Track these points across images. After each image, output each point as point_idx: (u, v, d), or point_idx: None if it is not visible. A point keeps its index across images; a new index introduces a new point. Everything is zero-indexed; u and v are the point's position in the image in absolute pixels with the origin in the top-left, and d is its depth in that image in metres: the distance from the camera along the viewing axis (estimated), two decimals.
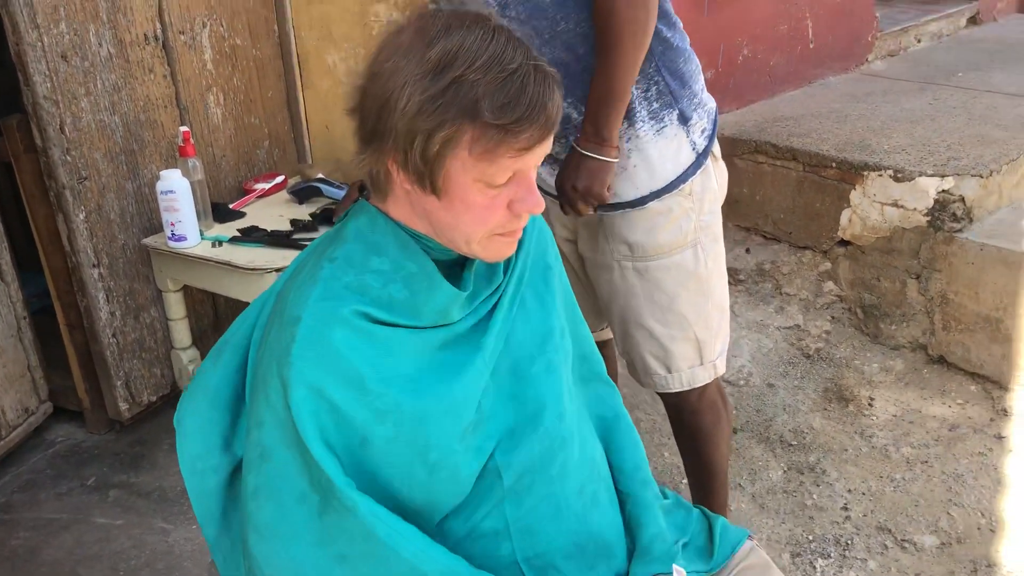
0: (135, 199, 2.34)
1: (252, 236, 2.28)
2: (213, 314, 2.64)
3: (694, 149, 1.65)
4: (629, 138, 1.61)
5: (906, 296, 3.00)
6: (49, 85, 2.07)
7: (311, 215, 2.37)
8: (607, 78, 1.52)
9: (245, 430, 1.13)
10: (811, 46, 3.82)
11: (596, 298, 1.84)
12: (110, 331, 2.34)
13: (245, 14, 2.54)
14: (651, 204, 1.64)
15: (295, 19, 2.66)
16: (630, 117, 1.59)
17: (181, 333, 2.45)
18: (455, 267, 1.16)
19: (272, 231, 2.30)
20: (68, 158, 2.15)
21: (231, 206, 2.46)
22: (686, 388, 1.79)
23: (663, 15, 1.60)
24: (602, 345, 1.98)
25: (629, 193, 1.63)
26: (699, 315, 1.73)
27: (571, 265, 1.83)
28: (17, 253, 2.36)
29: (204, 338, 2.57)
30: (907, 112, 3.52)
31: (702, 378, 1.79)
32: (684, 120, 1.63)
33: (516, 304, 1.24)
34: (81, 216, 2.21)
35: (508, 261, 1.24)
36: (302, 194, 2.48)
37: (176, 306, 2.42)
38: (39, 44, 2.03)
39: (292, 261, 1.22)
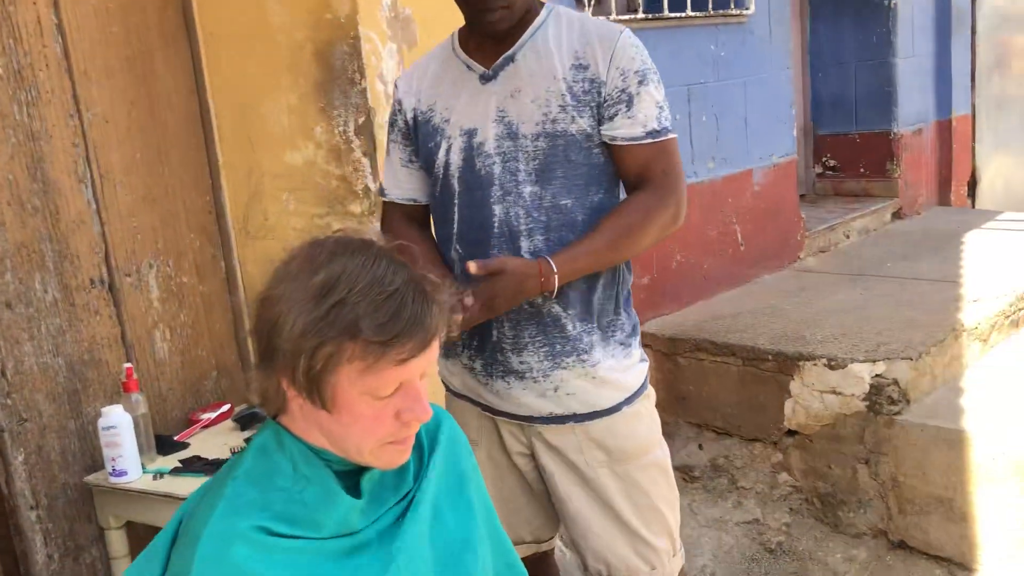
0: (77, 437, 2.36)
1: (192, 466, 2.29)
2: None
3: (643, 360, 1.79)
4: (596, 362, 1.69)
5: (859, 482, 3.01)
6: None
7: (246, 440, 2.40)
8: (610, 250, 1.63)
9: None
10: (742, 248, 4.03)
11: (549, 508, 1.85)
12: (47, 575, 2.29)
13: (192, 253, 2.68)
14: (624, 409, 1.72)
15: (240, 255, 2.80)
16: (603, 344, 1.70)
17: (124, 572, 2.40)
18: (357, 476, 1.20)
19: (212, 459, 2.31)
20: (8, 401, 2.20)
21: (175, 438, 2.48)
22: None
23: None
24: (545, 556, 1.96)
25: (603, 402, 1.70)
26: (670, 507, 1.79)
27: (523, 477, 1.83)
28: None
29: None
30: (839, 303, 3.67)
31: (678, 565, 1.81)
32: (640, 343, 1.79)
33: (430, 512, 1.26)
34: (20, 458, 2.23)
35: (418, 468, 1.28)
36: (245, 420, 2.51)
37: (118, 544, 2.39)
38: None
39: (200, 486, 1.25)
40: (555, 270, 1.59)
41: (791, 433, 3.17)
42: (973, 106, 5.64)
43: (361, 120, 2.53)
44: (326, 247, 1.13)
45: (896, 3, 4.96)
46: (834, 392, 3.05)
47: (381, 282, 1.07)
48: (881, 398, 2.96)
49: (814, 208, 5.00)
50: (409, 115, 1.76)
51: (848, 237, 4.79)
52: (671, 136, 1.65)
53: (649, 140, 1.62)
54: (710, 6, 3.84)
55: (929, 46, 5.32)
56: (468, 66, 1.68)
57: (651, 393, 1.79)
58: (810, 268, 4.32)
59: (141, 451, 2.31)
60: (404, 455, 1.18)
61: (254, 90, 2.65)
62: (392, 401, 1.11)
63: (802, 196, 4.97)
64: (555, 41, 1.62)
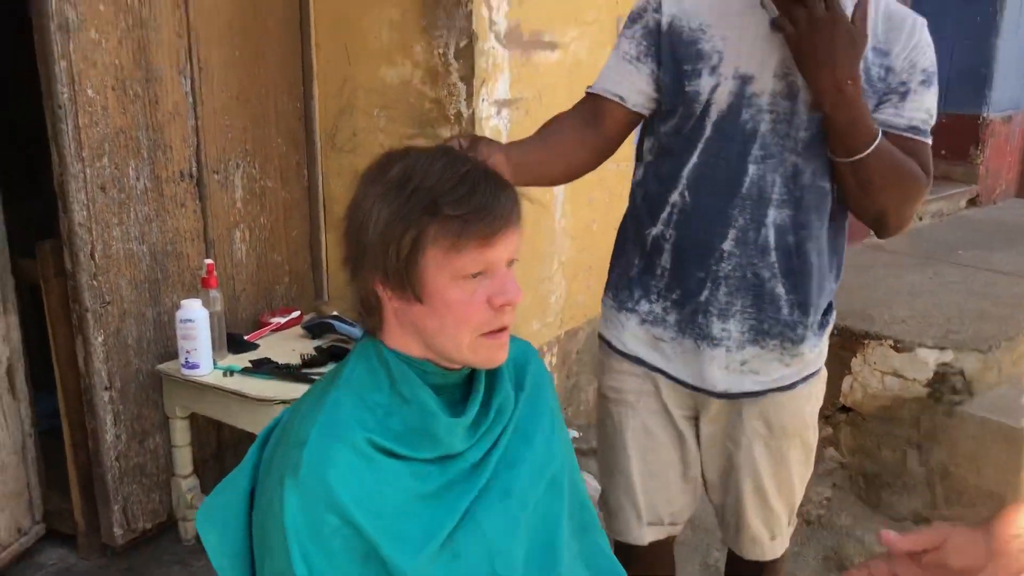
0: (154, 326, 2.41)
1: (263, 368, 2.33)
2: (216, 444, 2.66)
3: (828, 339, 1.72)
4: (795, 349, 1.61)
5: (907, 466, 3.00)
6: (85, 213, 2.19)
7: (317, 348, 2.43)
8: (894, 169, 1.48)
9: (259, 557, 1.15)
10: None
11: (695, 486, 1.79)
12: (114, 454, 2.36)
13: (277, 159, 2.69)
14: (799, 387, 1.66)
15: (324, 165, 2.81)
16: (808, 331, 1.62)
17: (184, 460, 2.47)
18: (457, 393, 1.21)
19: (283, 364, 2.35)
20: (95, 283, 2.24)
21: (246, 338, 2.52)
22: (785, 548, 1.81)
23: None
24: (669, 541, 1.85)
25: (784, 380, 1.64)
26: (802, 483, 1.76)
27: (683, 441, 1.74)
28: (34, 373, 2.42)
29: (205, 467, 2.58)
30: (908, 285, 3.62)
31: (790, 532, 1.81)
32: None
33: (520, 444, 1.27)
34: (100, 339, 2.28)
35: (508, 398, 1.28)
36: (316, 329, 2.55)
37: (182, 433, 2.45)
38: (81, 176, 2.16)
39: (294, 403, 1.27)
40: (877, 128, 1.45)
41: (844, 410, 3.16)
42: None
43: (463, 43, 2.50)
44: (398, 151, 1.18)
45: None
46: (896, 374, 3.02)
47: (453, 166, 1.12)
48: (944, 386, 2.93)
49: None
50: (665, 20, 1.55)
51: (921, 219, 4.70)
52: (928, 141, 1.53)
53: (908, 135, 1.50)
54: None
55: None
56: (763, 3, 1.49)
57: (824, 373, 1.72)
58: (881, 246, 4.24)
59: (213, 347, 2.35)
60: (502, 351, 1.18)
61: (356, 1, 2.62)
62: (482, 286, 1.13)
63: None
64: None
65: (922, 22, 1.52)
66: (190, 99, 2.39)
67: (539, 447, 1.29)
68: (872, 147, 1.43)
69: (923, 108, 1.50)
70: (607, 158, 1.69)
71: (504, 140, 2.66)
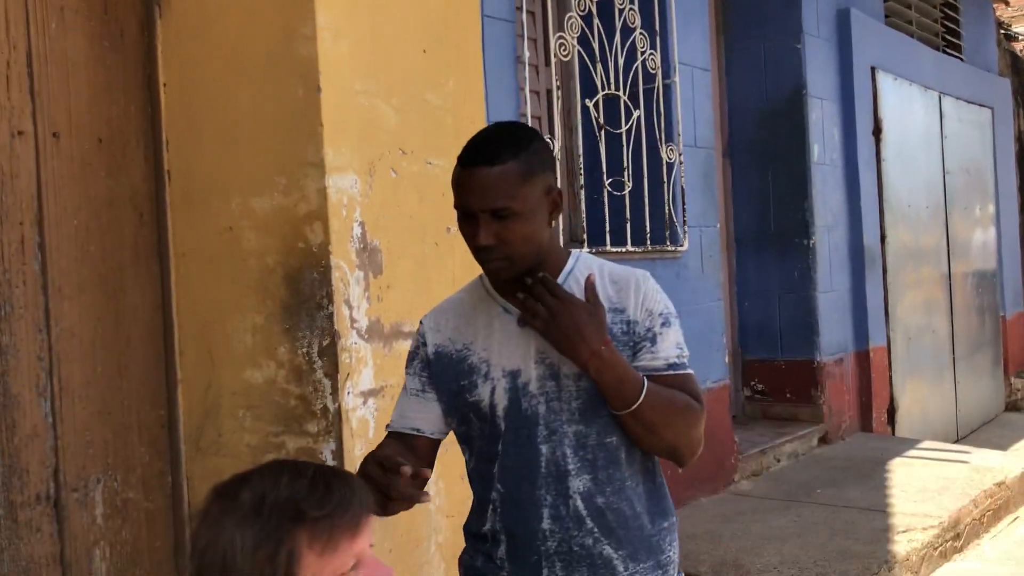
0: None
1: None
2: None
3: None
4: None
5: None
6: None
7: None
8: (676, 413, 1.67)
9: None
10: (680, 470, 4.12)
11: None
12: None
13: (140, 468, 2.65)
14: None
15: (188, 470, 2.78)
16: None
17: None
18: None
19: None
20: None
21: None
22: None
23: None
24: None
25: None
26: None
27: None
28: None
29: None
30: (775, 530, 3.75)
31: None
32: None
33: None
34: None
35: None
36: None
37: None
38: None
39: None
40: (641, 377, 1.64)
41: None
42: (888, 337, 6.02)
43: (325, 343, 2.61)
44: (229, 481, 1.20)
45: (814, 243, 5.39)
46: None
47: (299, 473, 1.17)
48: None
49: (745, 431, 5.16)
50: (431, 350, 1.80)
51: (779, 461, 4.94)
52: (689, 371, 1.75)
53: (670, 372, 1.71)
54: (648, 242, 4.13)
55: (845, 282, 5.74)
56: (505, 308, 1.74)
57: None
58: (745, 492, 4.41)
59: None
60: None
61: (220, 309, 2.73)
62: None
63: (733, 418, 5.14)
64: None
65: (643, 274, 1.77)
66: (49, 419, 2.38)
67: None
68: (643, 394, 1.63)
69: (673, 345, 1.73)
70: None
71: (371, 428, 2.73)
